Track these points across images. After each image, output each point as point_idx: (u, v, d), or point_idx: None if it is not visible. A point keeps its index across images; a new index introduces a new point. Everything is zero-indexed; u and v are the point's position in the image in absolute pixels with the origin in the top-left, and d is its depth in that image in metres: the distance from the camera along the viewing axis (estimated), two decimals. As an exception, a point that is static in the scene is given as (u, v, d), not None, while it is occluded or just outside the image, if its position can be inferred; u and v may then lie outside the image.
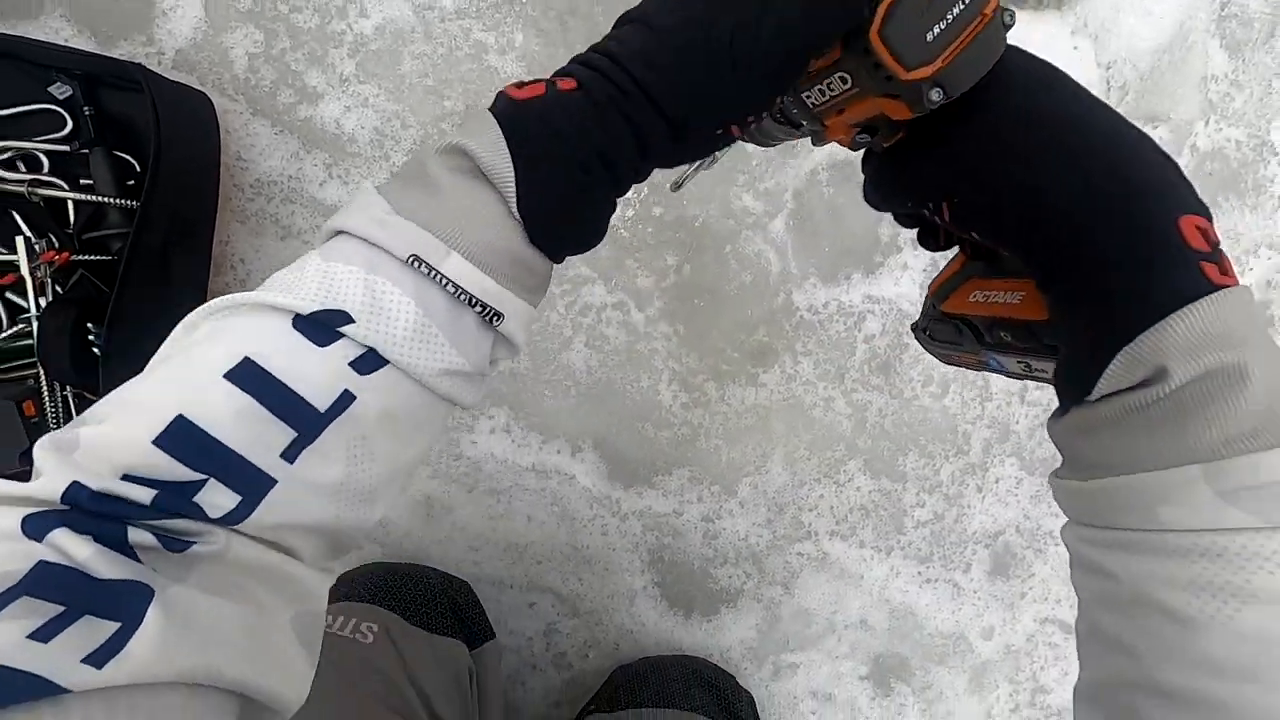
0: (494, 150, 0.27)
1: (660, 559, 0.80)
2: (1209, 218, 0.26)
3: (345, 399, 0.26)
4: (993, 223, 0.29)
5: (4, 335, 0.61)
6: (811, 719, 0.87)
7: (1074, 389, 0.28)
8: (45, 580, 0.22)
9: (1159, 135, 0.78)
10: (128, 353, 0.57)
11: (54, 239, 0.61)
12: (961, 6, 0.27)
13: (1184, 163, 0.79)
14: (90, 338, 0.59)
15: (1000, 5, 0.28)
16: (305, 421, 0.26)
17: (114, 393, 0.27)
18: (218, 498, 0.24)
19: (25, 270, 0.59)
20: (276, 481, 0.25)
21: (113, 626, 0.22)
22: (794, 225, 0.75)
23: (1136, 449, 0.26)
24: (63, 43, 0.62)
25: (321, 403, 0.26)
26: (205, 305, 0.28)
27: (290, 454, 0.26)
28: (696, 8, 0.28)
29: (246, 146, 0.66)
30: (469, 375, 0.29)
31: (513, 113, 0.28)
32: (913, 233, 0.39)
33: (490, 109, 0.29)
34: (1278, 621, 0.23)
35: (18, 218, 0.60)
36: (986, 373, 0.39)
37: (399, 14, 0.66)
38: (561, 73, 0.29)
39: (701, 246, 0.74)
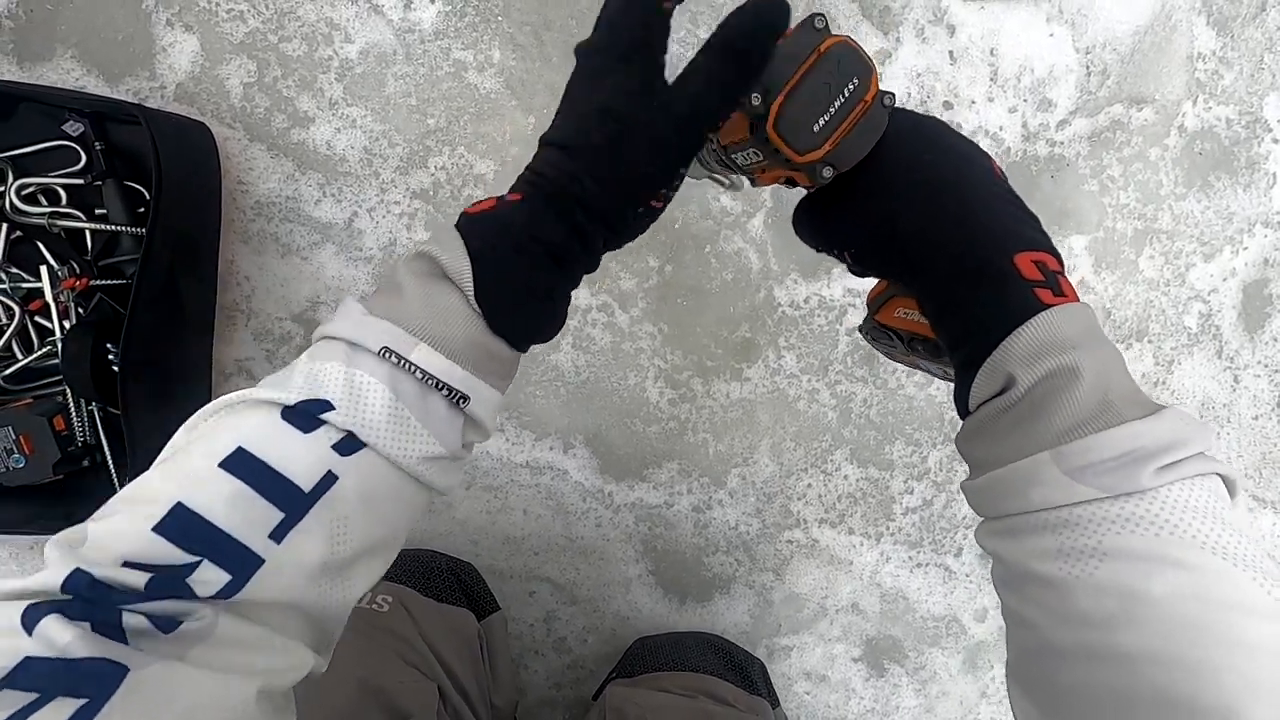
0: (453, 251, 0.31)
1: (653, 548, 0.83)
2: (1050, 252, 0.31)
3: (328, 480, 0.29)
4: (880, 270, 0.35)
5: (34, 356, 0.66)
6: (807, 699, 0.90)
7: (960, 405, 0.33)
8: (27, 673, 0.23)
9: (1144, 118, 0.78)
10: (143, 370, 0.62)
11: (75, 266, 0.66)
12: (843, 99, 0.31)
13: (1171, 143, 0.79)
14: (110, 357, 0.64)
15: (880, 91, 0.32)
16: (292, 502, 0.28)
17: (124, 489, 0.29)
18: (209, 575, 0.27)
19: (49, 296, 0.64)
20: (264, 560, 0.28)
21: (78, 704, 0.23)
22: (773, 224, 0.77)
23: (1007, 445, 0.30)
24: (73, 82, 0.67)
25: (306, 483, 0.29)
26: (204, 408, 0.31)
27: (278, 534, 0.28)
28: (599, 137, 0.32)
29: (245, 171, 0.70)
30: (442, 460, 0.32)
31: (469, 221, 0.33)
32: None
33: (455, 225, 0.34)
34: (1127, 572, 0.27)
35: (41, 248, 0.66)
36: (920, 371, 0.43)
37: (381, 38, 0.69)
38: (510, 191, 0.34)
39: (682, 247, 0.77)
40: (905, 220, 0.33)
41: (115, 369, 0.63)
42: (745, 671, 0.77)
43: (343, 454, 0.29)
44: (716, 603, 0.86)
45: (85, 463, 0.67)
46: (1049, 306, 0.29)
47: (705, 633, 0.84)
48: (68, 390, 0.65)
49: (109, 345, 0.64)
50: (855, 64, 0.32)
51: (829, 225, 0.37)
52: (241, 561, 0.27)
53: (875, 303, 0.42)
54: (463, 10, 0.69)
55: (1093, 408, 0.28)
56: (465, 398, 0.32)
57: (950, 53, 0.74)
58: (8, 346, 0.66)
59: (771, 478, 0.83)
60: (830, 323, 0.79)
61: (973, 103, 0.76)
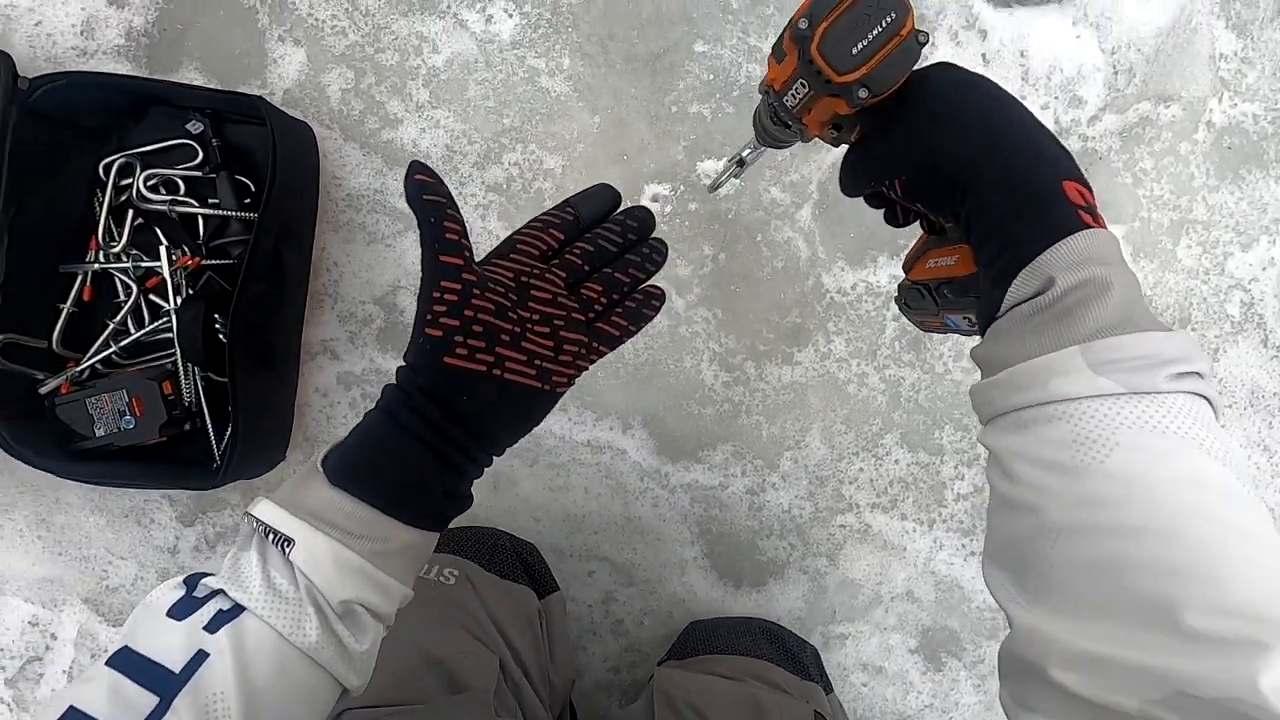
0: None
1: (708, 530, 0.85)
2: (1088, 187, 0.34)
3: (199, 658, 0.31)
4: (931, 192, 0.38)
5: (147, 329, 0.73)
6: (864, 691, 0.89)
7: (987, 309, 0.36)
8: None
9: (1171, 114, 0.82)
10: (248, 339, 0.67)
11: (187, 248, 0.73)
12: (880, 28, 0.36)
13: (1200, 138, 0.83)
14: (216, 327, 0.70)
15: (914, 28, 0.37)
16: (165, 684, 0.30)
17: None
18: None
19: (167, 274, 0.71)
20: None
21: None
22: (819, 214, 0.82)
23: (1033, 343, 0.33)
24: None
25: (176, 665, 0.31)
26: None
27: (154, 717, 0.29)
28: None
29: (339, 166, 0.78)
30: (306, 612, 0.34)
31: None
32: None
33: None
34: (1133, 461, 0.30)
35: (159, 232, 0.73)
36: (949, 334, 0.47)
37: (465, 48, 0.77)
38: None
39: (735, 237, 0.82)
40: (957, 144, 0.36)
41: (221, 338, 0.69)
42: (797, 657, 0.77)
43: (211, 631, 0.32)
44: (770, 587, 0.87)
45: (187, 426, 0.72)
46: (1091, 228, 0.33)
47: (757, 618, 0.85)
48: (178, 356, 0.71)
49: (216, 316, 0.70)
50: (893, 1, 0.36)
51: (882, 153, 0.40)
52: None
53: (910, 260, 0.45)
54: (537, 23, 0.77)
55: (1118, 317, 0.31)
56: (289, 541, 0.34)
57: (983, 55, 0.80)
58: (123, 321, 0.73)
59: (823, 461, 0.85)
60: (877, 308, 0.83)
61: (1006, 101, 0.81)
